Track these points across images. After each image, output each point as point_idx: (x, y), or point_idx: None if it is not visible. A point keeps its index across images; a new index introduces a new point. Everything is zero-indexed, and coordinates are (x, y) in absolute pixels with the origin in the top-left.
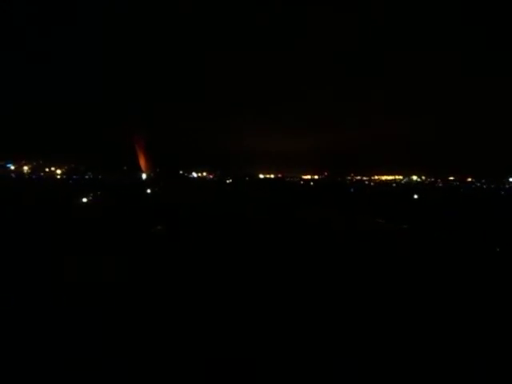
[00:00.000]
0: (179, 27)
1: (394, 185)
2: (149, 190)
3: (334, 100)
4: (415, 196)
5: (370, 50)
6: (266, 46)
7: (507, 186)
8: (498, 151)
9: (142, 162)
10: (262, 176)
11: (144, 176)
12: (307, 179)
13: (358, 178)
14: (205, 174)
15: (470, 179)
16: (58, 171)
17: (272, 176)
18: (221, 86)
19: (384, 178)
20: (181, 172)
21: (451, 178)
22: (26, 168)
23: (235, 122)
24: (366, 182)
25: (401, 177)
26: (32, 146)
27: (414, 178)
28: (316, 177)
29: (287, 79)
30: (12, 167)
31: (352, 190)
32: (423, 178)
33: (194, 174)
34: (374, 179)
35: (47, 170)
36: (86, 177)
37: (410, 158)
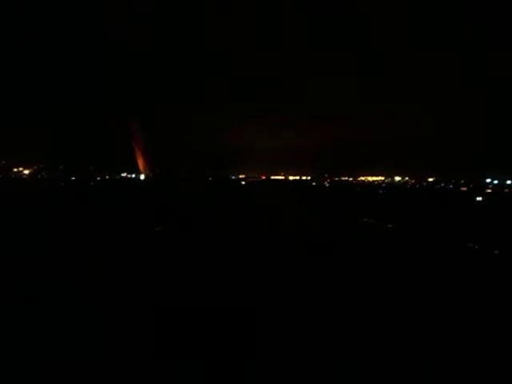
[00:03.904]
0: (178, 27)
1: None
2: None
3: (333, 100)
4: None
5: (369, 49)
6: (266, 46)
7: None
8: (481, 153)
9: (141, 163)
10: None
11: (142, 177)
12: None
13: (344, 178)
14: None
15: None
16: (26, 171)
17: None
18: (221, 86)
19: (370, 178)
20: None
21: (430, 180)
22: None
23: (235, 122)
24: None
25: (383, 178)
26: None
27: (397, 178)
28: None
29: (287, 79)
30: None
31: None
32: (406, 178)
33: None
34: (360, 180)
35: (15, 170)
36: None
37: (396, 160)
